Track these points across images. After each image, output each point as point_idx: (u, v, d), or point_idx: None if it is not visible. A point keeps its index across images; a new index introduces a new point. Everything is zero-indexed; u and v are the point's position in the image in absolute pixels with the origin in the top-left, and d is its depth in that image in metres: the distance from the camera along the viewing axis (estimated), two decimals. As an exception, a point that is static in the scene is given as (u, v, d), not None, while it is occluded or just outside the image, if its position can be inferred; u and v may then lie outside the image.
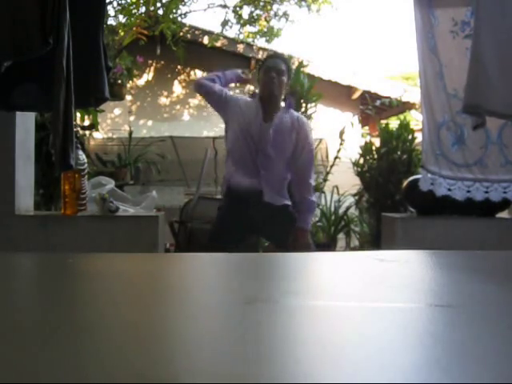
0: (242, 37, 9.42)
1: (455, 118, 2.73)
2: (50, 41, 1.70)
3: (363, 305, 0.72)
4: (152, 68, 8.59)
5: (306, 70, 5.74)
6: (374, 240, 5.05)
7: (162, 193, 5.59)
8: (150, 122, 8.70)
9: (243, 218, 2.88)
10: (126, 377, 0.43)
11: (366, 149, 5.57)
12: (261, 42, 9.60)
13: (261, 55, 8.08)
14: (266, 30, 9.69)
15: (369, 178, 5.47)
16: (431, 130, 2.76)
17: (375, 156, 5.48)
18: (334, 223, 5.75)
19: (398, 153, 5.29)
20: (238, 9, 9.12)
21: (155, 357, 0.47)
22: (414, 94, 7.28)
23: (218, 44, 8.11)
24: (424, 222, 2.93)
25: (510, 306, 0.75)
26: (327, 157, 6.76)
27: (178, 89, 8.86)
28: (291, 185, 3.01)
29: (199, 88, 3.14)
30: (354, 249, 5.74)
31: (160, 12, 7.02)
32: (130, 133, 6.22)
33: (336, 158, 5.58)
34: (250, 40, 9.41)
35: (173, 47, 6.84)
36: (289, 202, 2.98)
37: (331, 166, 5.60)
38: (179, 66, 8.59)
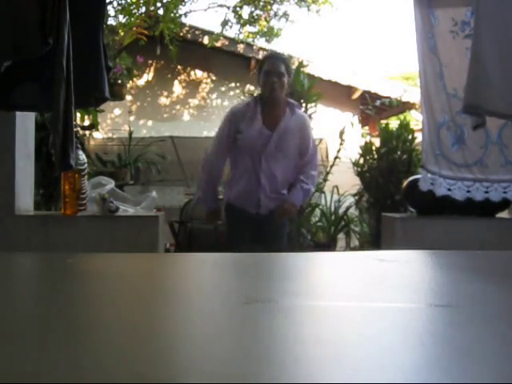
0: (242, 37, 9.42)
1: (455, 118, 2.72)
2: (49, 41, 1.70)
3: (363, 305, 0.72)
4: (152, 68, 8.59)
5: (306, 69, 5.73)
6: (374, 240, 5.04)
7: (161, 193, 5.60)
8: (150, 122, 8.71)
9: (247, 231, 2.90)
10: (126, 377, 0.43)
11: (366, 149, 5.57)
12: (261, 42, 9.60)
13: (261, 55, 8.08)
14: (266, 30, 9.68)
15: (369, 178, 5.47)
16: (431, 130, 2.76)
17: (375, 156, 5.48)
18: (334, 223, 5.75)
19: (398, 153, 5.29)
20: (238, 9, 9.11)
21: (155, 357, 0.47)
22: (414, 94, 7.28)
23: (218, 44, 8.11)
24: (424, 221, 2.93)
25: (510, 306, 0.75)
26: (327, 157, 6.76)
27: (177, 89, 8.86)
28: (294, 176, 2.99)
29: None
30: (354, 249, 5.74)
31: (160, 12, 7.03)
32: (130, 133, 6.21)
33: (336, 157, 5.57)
34: (250, 40, 9.40)
35: (169, 46, 6.84)
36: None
37: (331, 166, 5.59)
38: (179, 66, 8.60)
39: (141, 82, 8.50)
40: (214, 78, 8.85)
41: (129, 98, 8.09)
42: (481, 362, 0.48)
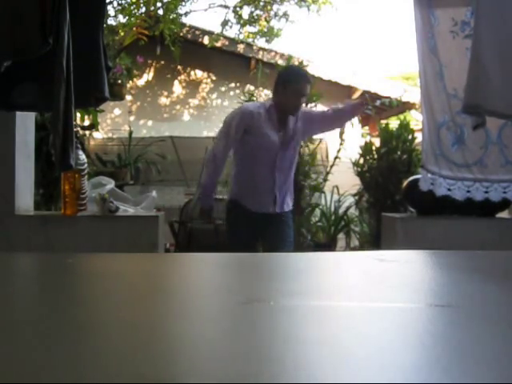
0: (242, 37, 9.41)
1: (455, 118, 2.72)
2: (49, 41, 1.70)
3: (363, 305, 0.72)
4: (152, 68, 8.59)
5: (306, 70, 5.73)
6: (374, 240, 5.04)
7: (161, 193, 5.60)
8: (150, 122, 8.70)
9: (252, 230, 2.90)
10: (126, 377, 0.43)
11: (366, 149, 5.57)
12: (261, 42, 9.59)
13: (261, 55, 8.08)
14: (266, 30, 9.68)
15: (369, 178, 5.47)
16: (431, 130, 2.76)
17: (375, 156, 5.48)
18: (334, 223, 5.76)
19: (398, 153, 5.29)
20: (238, 9, 9.11)
21: (155, 357, 0.47)
22: (414, 94, 7.27)
23: (218, 44, 8.11)
24: (424, 221, 2.93)
25: (510, 306, 0.75)
26: (327, 157, 6.75)
27: (178, 89, 8.86)
28: (327, 121, 3.12)
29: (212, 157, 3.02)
30: (354, 249, 5.74)
31: (160, 12, 7.03)
32: (130, 133, 6.22)
33: (336, 157, 5.57)
34: (250, 40, 9.40)
35: (171, 47, 6.84)
36: (291, 207, 3.04)
37: (331, 166, 5.60)
38: (179, 66, 8.59)
39: (141, 81, 8.50)
40: (214, 78, 8.85)
41: (129, 98, 8.09)
42: (481, 362, 0.48)
